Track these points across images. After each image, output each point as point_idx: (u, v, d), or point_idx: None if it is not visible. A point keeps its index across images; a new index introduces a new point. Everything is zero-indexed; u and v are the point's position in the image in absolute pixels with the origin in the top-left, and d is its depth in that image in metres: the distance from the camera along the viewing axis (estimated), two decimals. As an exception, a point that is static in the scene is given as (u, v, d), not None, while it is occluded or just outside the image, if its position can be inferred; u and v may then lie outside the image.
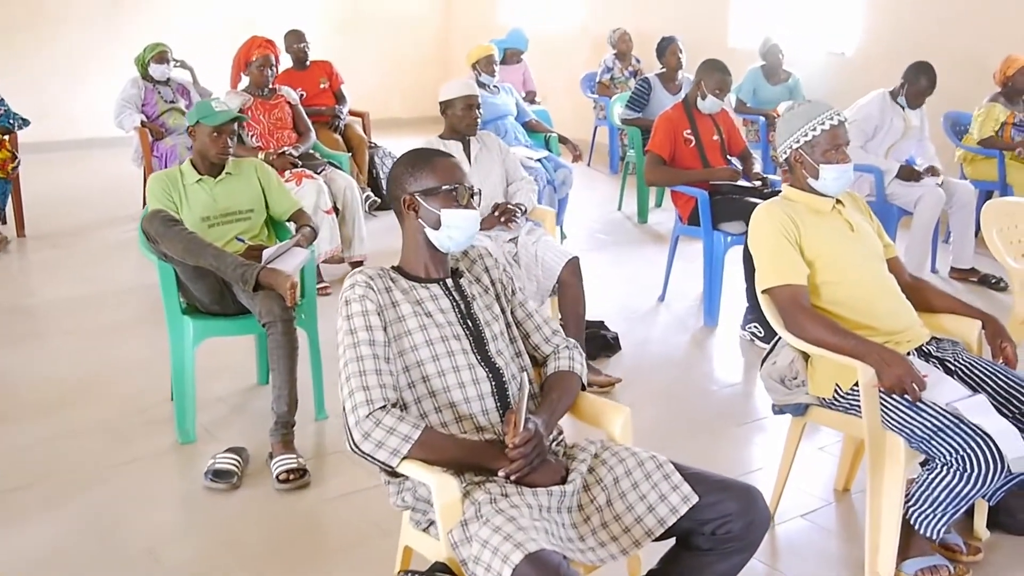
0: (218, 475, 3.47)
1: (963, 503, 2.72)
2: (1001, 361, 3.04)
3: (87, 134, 9.94)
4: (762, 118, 7.87)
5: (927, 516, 2.79)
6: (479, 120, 4.55)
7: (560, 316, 4.49)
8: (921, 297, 3.20)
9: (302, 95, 7.59)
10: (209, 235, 3.88)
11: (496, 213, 4.44)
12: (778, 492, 3.30)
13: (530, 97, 8.59)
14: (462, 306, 2.44)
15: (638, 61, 9.22)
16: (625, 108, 7.46)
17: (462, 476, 2.27)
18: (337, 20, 11.48)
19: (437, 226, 2.41)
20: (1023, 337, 3.95)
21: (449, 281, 2.47)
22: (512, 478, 2.22)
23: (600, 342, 4.77)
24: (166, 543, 3.15)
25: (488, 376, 2.38)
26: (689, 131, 5.26)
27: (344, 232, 5.70)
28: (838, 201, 3.15)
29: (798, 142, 3.10)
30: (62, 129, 10.04)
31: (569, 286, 4.37)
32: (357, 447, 2.22)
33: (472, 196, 2.43)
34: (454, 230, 2.41)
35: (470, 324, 2.43)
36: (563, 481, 2.28)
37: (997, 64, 6.70)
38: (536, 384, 2.58)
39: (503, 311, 2.55)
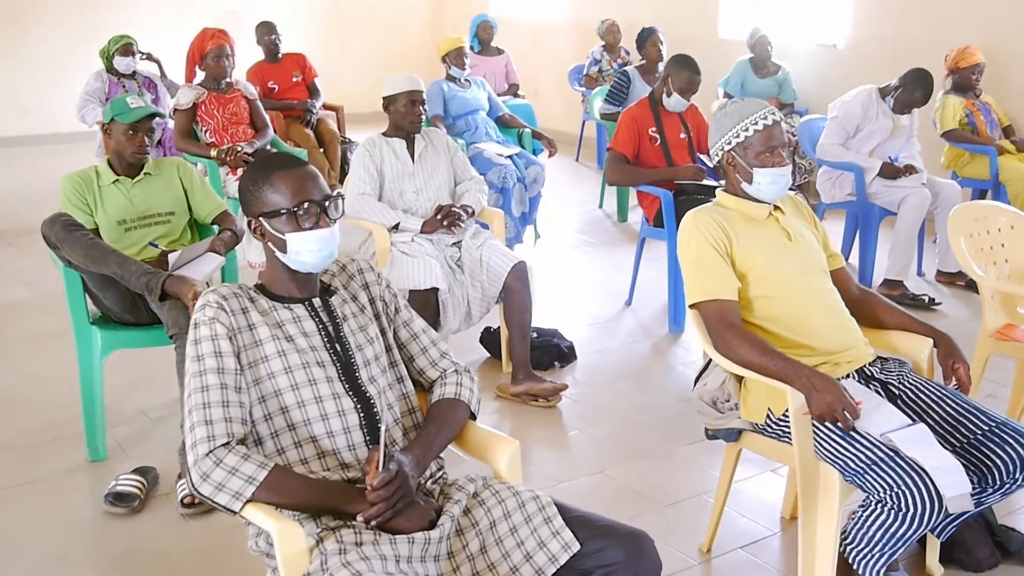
0: (119, 498, 3.25)
1: (901, 543, 2.47)
2: (954, 384, 2.78)
3: (67, 128, 9.75)
4: (750, 113, 7.56)
5: (864, 555, 2.54)
6: (424, 116, 4.30)
7: (505, 324, 4.26)
8: (869, 312, 2.94)
9: (274, 88, 7.41)
10: (125, 239, 3.67)
11: (439, 216, 4.19)
12: (714, 523, 3.06)
13: (513, 90, 8.32)
14: (330, 328, 2.20)
15: (627, 53, 8.93)
16: (604, 102, 7.20)
17: (318, 520, 2.03)
18: (322, 11, 11.24)
19: (285, 250, 2.16)
20: (991, 351, 3.70)
21: (317, 301, 2.23)
22: (372, 523, 1.99)
23: (553, 352, 4.52)
24: (53, 573, 2.93)
25: (356, 407, 2.14)
26: (654, 129, 4.99)
27: (299, 232, 5.46)
28: (776, 208, 2.89)
29: (729, 144, 2.84)
30: (43, 124, 9.89)
31: (515, 292, 4.13)
32: (196, 489, 1.99)
33: (325, 210, 2.17)
34: (305, 254, 2.15)
35: (338, 349, 2.18)
36: (432, 526, 2.04)
37: (990, 57, 6.43)
38: (422, 413, 2.34)
39: (383, 332, 2.31)
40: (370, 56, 11.25)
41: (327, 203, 2.16)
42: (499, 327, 4.47)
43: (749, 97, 2.93)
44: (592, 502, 3.38)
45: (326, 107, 7.65)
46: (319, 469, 2.10)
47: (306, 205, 2.14)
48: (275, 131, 7.28)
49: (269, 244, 2.19)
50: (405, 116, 4.28)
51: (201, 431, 1.99)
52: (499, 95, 7.88)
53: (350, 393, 2.15)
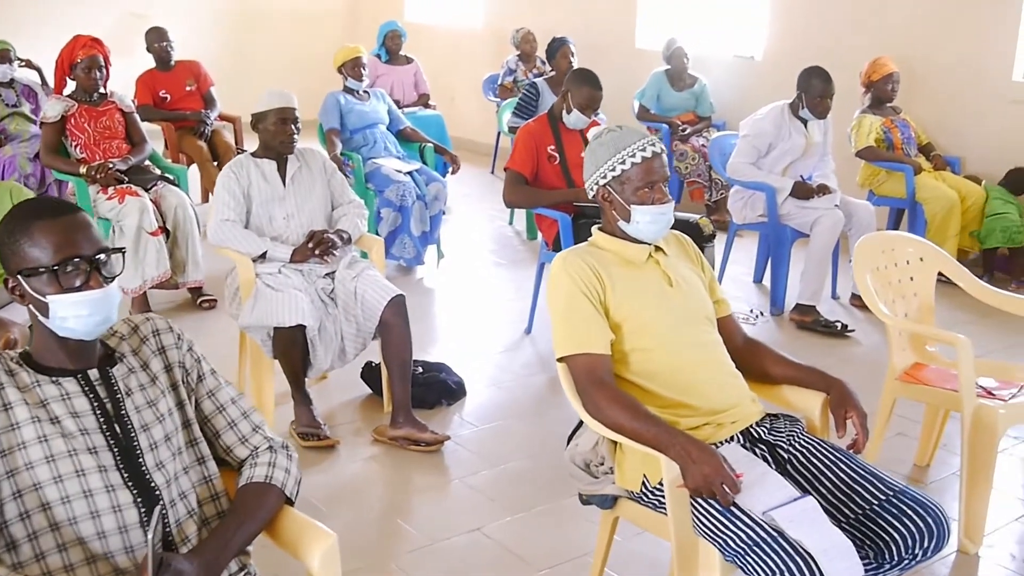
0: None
1: (785, 634, 2.18)
2: (841, 435, 2.50)
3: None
4: (665, 126, 7.32)
5: (747, 643, 2.25)
6: (295, 136, 3.95)
7: (384, 363, 3.92)
8: (756, 364, 2.66)
9: (166, 98, 7.01)
10: (-53, 274, 3.27)
11: (310, 244, 3.85)
12: (590, 596, 2.76)
13: (423, 100, 7.97)
14: (108, 406, 1.84)
15: (543, 63, 8.63)
16: (512, 115, 6.90)
17: (79, 644, 1.69)
18: (232, 15, 10.76)
19: (47, 314, 1.81)
20: (898, 395, 3.46)
21: (93, 372, 1.87)
22: (143, 648, 1.64)
23: (440, 389, 4.19)
24: None
25: (136, 500, 1.79)
26: (553, 147, 4.70)
27: (176, 255, 5.07)
28: (658, 248, 2.60)
29: (605, 177, 2.55)
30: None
31: (392, 329, 3.79)
32: (-83, 614, 1.63)
33: (99, 268, 1.82)
34: (71, 320, 1.80)
35: (117, 430, 1.83)
36: (220, 648, 1.70)
37: (908, 71, 6.26)
38: (229, 498, 2.00)
39: (180, 405, 1.96)
40: (279, 64, 10.77)
41: (100, 259, 1.81)
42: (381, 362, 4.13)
43: (628, 127, 2.63)
44: (465, 565, 3.08)
45: (222, 118, 7.26)
46: (88, 577, 1.75)
47: (76, 261, 1.79)
48: (167, 144, 6.93)
49: (30, 307, 1.83)
50: (275, 136, 3.92)
51: (-72, 541, 1.64)
52: (408, 106, 7.57)
53: (129, 484, 1.80)
